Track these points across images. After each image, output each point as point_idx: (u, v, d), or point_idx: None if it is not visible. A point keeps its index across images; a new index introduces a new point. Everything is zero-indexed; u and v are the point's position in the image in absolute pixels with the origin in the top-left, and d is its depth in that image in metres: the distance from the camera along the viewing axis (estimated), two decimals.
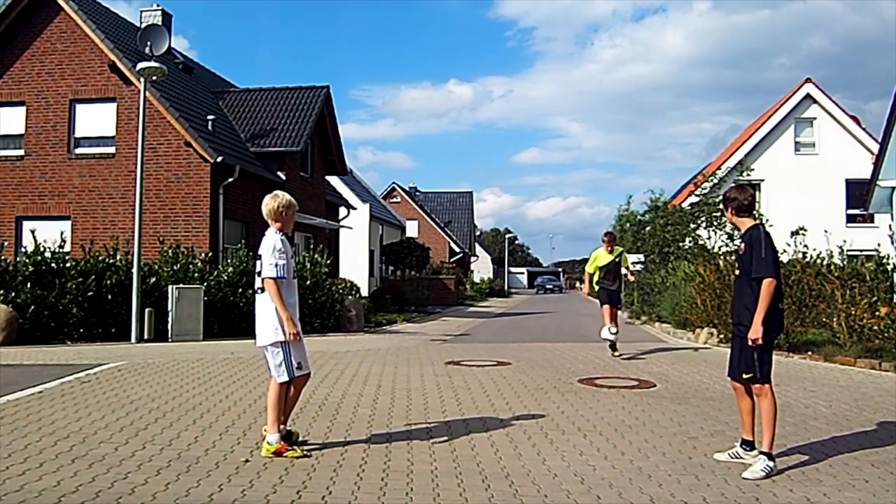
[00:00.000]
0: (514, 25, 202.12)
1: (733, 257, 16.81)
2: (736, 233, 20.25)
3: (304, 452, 4.84)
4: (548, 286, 68.78)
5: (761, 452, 4.60)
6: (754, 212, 5.08)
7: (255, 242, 19.46)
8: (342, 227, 26.44)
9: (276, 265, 4.63)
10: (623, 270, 11.15)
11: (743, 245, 4.83)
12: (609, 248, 10.75)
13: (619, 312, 10.98)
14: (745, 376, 4.74)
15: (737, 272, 4.95)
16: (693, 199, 24.13)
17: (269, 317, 4.72)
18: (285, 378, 4.75)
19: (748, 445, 4.84)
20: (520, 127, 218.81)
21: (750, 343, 4.60)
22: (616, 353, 10.69)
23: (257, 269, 4.80)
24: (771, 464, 4.54)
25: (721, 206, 5.10)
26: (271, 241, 4.73)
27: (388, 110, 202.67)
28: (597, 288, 10.88)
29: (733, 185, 5.39)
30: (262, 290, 4.74)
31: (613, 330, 10.66)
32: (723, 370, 9.34)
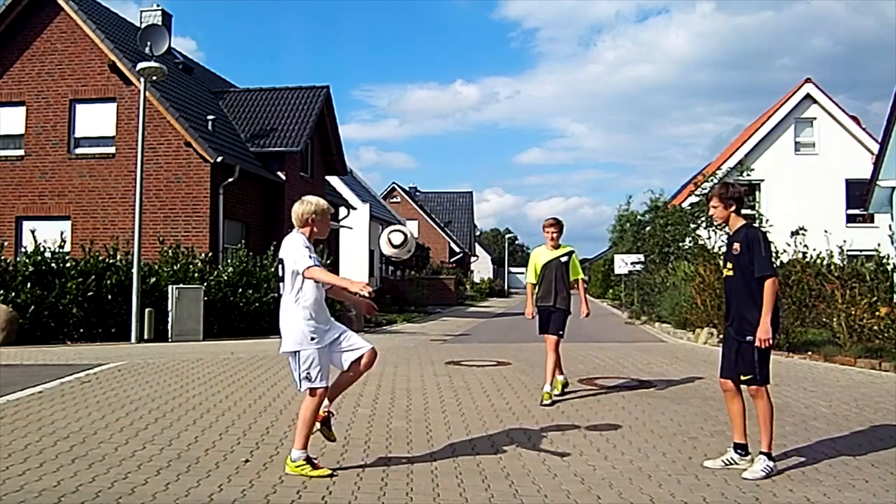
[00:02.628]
0: (518, 26, 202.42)
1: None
2: None
3: (331, 472, 4.48)
4: None
5: (761, 453, 4.53)
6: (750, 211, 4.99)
7: (255, 242, 19.45)
8: (342, 227, 26.45)
9: (309, 256, 4.36)
10: (578, 283, 7.46)
11: (738, 245, 4.64)
12: (553, 243, 7.19)
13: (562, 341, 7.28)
14: (743, 378, 4.60)
15: (729, 273, 4.74)
16: (693, 199, 24.14)
17: (293, 323, 4.43)
18: (307, 385, 4.42)
19: (742, 450, 4.70)
20: (522, 127, 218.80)
21: (759, 344, 4.47)
22: (548, 401, 6.87)
23: (280, 274, 4.55)
24: (771, 464, 4.50)
25: (715, 203, 4.60)
26: (296, 241, 4.47)
27: (395, 111, 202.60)
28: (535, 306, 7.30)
29: (726, 182, 5.17)
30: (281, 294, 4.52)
31: (550, 390, 6.98)
32: None
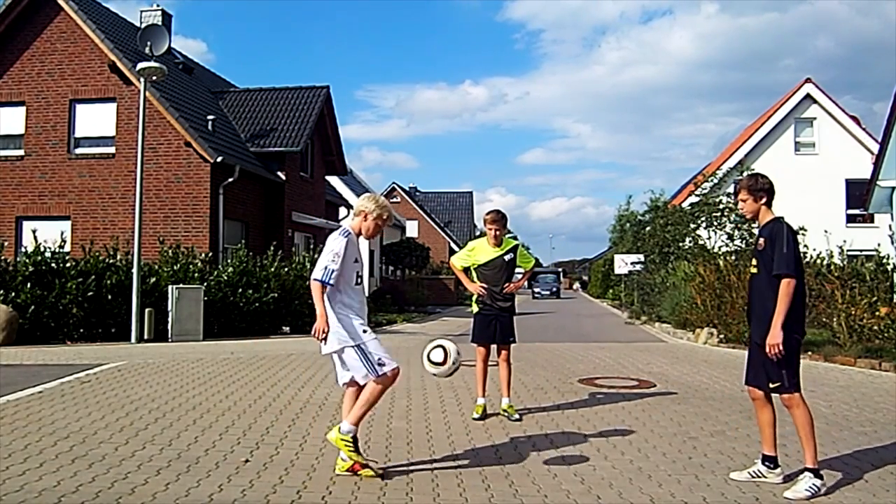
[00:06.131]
0: (522, 28, 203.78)
1: (733, 255, 16.84)
2: (736, 232, 20.32)
3: (378, 472, 4.46)
4: (544, 290, 53.20)
5: (806, 469, 4.19)
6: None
7: (255, 242, 19.37)
8: (342, 226, 26.46)
9: (325, 268, 4.35)
10: (518, 277, 6.87)
11: (763, 241, 4.33)
12: (495, 239, 6.34)
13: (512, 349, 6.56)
14: (771, 386, 4.26)
15: (754, 270, 4.42)
16: (693, 199, 24.13)
17: (340, 321, 4.41)
18: (382, 371, 4.36)
19: (771, 462, 4.41)
20: (524, 128, 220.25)
21: (768, 350, 4.15)
22: (515, 415, 6.31)
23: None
24: (818, 482, 4.15)
25: (744, 195, 4.46)
26: (331, 244, 4.46)
27: (402, 111, 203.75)
28: (475, 308, 6.61)
29: (755, 173, 4.66)
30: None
31: (480, 401, 6.33)
32: (723, 370, 9.38)
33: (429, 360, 4.79)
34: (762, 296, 4.31)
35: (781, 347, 4.14)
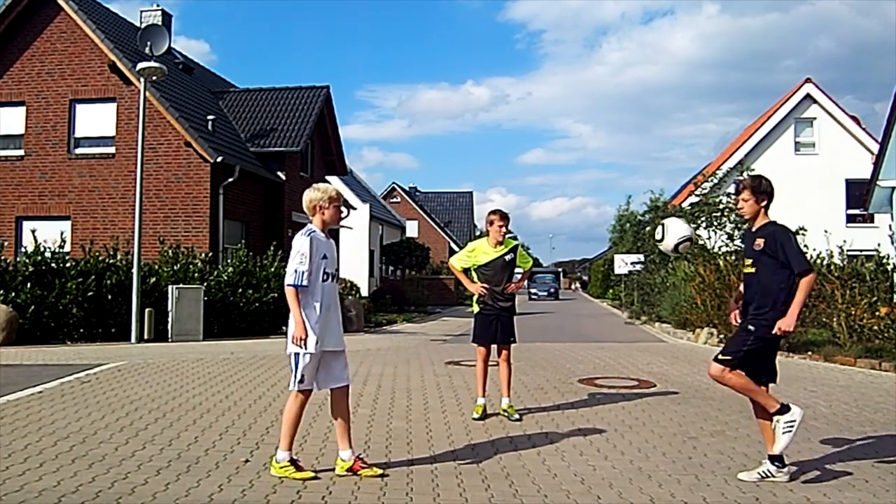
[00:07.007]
0: (524, 28, 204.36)
1: (733, 255, 16.83)
2: (736, 232, 20.30)
3: (314, 474, 4.42)
4: (541, 291, 49.67)
5: (768, 456, 4.37)
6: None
7: (255, 242, 19.36)
8: (342, 227, 26.45)
9: (295, 271, 4.33)
10: (517, 277, 6.90)
11: (761, 241, 4.37)
12: (498, 238, 6.31)
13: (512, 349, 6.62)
14: (721, 357, 4.38)
15: (750, 270, 4.45)
16: (693, 199, 24.12)
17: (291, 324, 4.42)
18: (299, 387, 4.39)
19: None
20: (525, 128, 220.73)
21: (777, 332, 4.25)
22: (515, 416, 6.28)
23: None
24: (771, 468, 4.34)
25: (746, 196, 4.51)
26: (296, 245, 4.41)
27: (403, 111, 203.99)
28: (476, 308, 6.57)
29: (759, 175, 4.69)
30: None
31: (480, 401, 6.32)
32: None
33: (676, 251, 6.00)
34: (764, 292, 4.35)
35: (770, 333, 4.28)
